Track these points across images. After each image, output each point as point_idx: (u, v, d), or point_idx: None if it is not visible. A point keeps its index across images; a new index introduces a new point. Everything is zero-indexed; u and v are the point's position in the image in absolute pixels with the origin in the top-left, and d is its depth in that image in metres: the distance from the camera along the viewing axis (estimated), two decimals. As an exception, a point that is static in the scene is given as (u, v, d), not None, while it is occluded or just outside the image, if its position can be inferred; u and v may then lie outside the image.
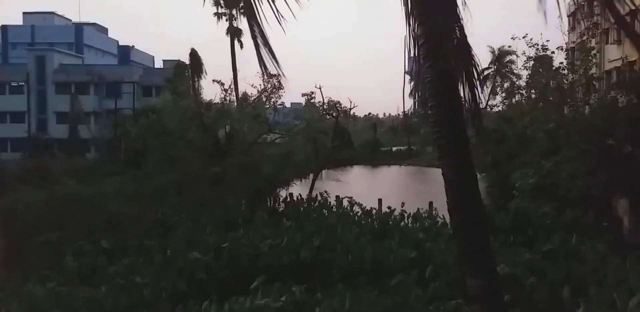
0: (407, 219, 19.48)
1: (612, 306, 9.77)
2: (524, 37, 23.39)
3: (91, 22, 72.91)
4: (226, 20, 54.03)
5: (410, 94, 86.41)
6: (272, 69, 6.74)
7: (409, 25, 6.62)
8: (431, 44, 6.32)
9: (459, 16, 6.76)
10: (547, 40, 22.98)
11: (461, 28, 6.74)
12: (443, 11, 6.50)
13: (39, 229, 16.52)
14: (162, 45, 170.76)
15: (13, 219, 17.52)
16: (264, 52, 6.72)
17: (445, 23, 6.51)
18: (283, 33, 6.62)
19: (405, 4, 6.75)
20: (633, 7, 6.63)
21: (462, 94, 6.88)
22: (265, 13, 6.56)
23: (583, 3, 6.16)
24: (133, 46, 75.59)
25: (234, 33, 54.15)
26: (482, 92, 7.16)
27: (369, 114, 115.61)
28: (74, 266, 13.67)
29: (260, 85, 31.44)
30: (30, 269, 13.59)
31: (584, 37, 23.82)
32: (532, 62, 24.52)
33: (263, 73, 6.80)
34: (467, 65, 6.92)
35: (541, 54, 23.53)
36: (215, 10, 53.61)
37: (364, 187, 38.62)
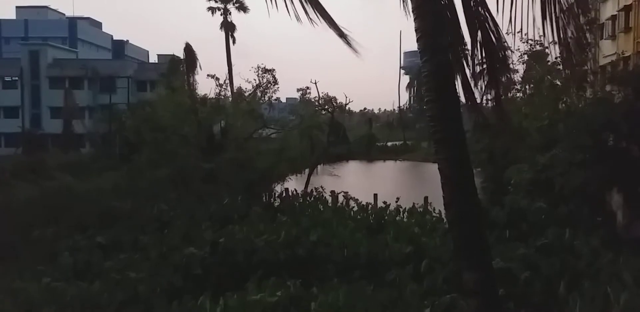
0: (403, 214, 19.53)
1: (606, 300, 9.83)
2: (518, 32, 23.29)
3: (85, 16, 72.66)
4: (220, 14, 53.92)
5: (406, 88, 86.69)
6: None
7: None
8: (428, 38, 6.30)
9: (455, 10, 6.74)
10: (541, 35, 22.90)
11: (488, 15, 6.70)
12: (439, 6, 6.48)
13: (33, 225, 16.47)
14: (156, 40, 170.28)
15: (7, 215, 17.47)
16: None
17: (442, 17, 6.49)
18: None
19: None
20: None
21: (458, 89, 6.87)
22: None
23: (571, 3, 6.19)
24: (127, 41, 75.26)
25: (228, 27, 54.02)
26: (475, 87, 7.15)
27: (365, 109, 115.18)
28: (69, 262, 13.64)
29: (254, 80, 31.40)
30: (25, 264, 13.55)
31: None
32: (526, 57, 24.52)
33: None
34: (490, 54, 6.86)
35: (535, 49, 23.49)
36: (209, 5, 53.58)
37: (360, 182, 38.65)
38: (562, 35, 6.28)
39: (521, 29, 6.33)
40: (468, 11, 6.63)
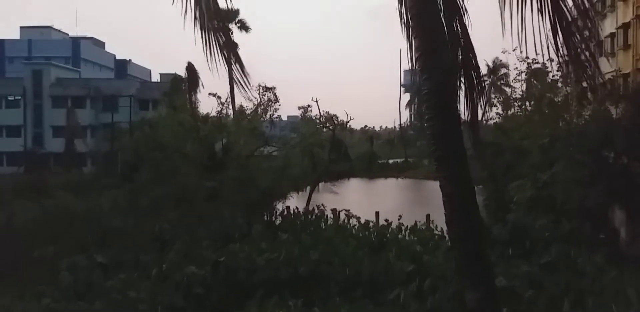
0: (405, 232, 19.44)
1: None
2: (514, 50, 23.43)
3: (88, 36, 73.40)
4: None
5: (407, 106, 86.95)
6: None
7: (407, 37, 6.69)
8: (428, 57, 6.35)
9: (465, 26, 6.81)
10: (537, 54, 23.02)
11: (466, 38, 6.78)
12: (439, 25, 6.55)
13: (34, 244, 16.40)
14: (159, 59, 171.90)
15: (8, 234, 17.41)
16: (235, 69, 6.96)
17: (441, 36, 6.56)
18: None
19: (402, 17, 6.83)
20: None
21: (460, 106, 6.94)
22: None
23: (576, 17, 6.22)
24: (130, 60, 75.94)
25: (230, 46, 54.50)
26: (481, 105, 7.21)
27: (366, 126, 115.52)
28: (70, 281, 13.55)
29: (255, 98, 31.53)
30: (25, 284, 13.46)
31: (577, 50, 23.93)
32: (524, 76, 24.66)
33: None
34: (469, 77, 6.95)
35: (534, 67, 23.63)
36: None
37: (361, 199, 38.56)
38: (572, 51, 6.27)
39: (519, 46, 6.35)
40: (450, 33, 6.71)
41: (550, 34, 6.12)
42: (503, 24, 6.12)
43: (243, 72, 7.07)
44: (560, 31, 6.16)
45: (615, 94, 18.83)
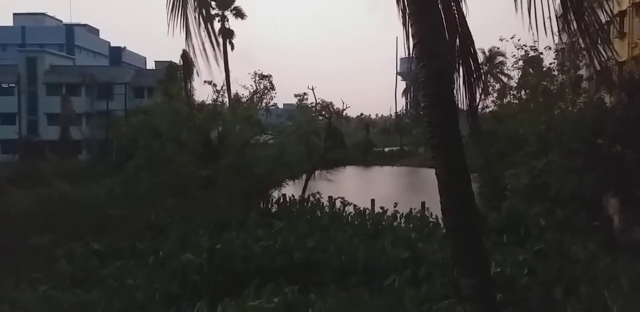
0: (400, 219, 19.53)
1: (603, 305, 9.84)
2: (512, 38, 23.43)
3: (82, 23, 72.63)
4: (218, 21, 53.99)
5: (403, 94, 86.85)
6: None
7: (404, 25, 6.65)
8: (425, 44, 6.32)
9: (462, 14, 6.77)
10: (535, 41, 23.09)
11: (464, 26, 6.75)
12: (436, 12, 6.51)
13: (30, 232, 16.40)
14: (154, 47, 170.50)
15: (4, 222, 17.39)
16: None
17: (438, 23, 6.52)
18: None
19: (400, 4, 6.78)
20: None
21: (459, 93, 6.93)
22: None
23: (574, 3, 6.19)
24: (125, 47, 75.24)
25: (226, 34, 54.12)
26: (480, 92, 7.20)
27: (362, 114, 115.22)
28: (66, 269, 13.58)
29: (251, 86, 31.43)
30: (21, 272, 13.48)
31: (574, 38, 23.89)
32: (521, 63, 24.64)
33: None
34: (467, 64, 6.93)
35: (530, 55, 23.61)
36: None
37: (357, 187, 38.65)
38: (583, 28, 6.26)
39: (535, 26, 6.30)
40: (449, 21, 6.68)
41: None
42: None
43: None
44: (572, 12, 6.15)
45: (610, 83, 18.82)
